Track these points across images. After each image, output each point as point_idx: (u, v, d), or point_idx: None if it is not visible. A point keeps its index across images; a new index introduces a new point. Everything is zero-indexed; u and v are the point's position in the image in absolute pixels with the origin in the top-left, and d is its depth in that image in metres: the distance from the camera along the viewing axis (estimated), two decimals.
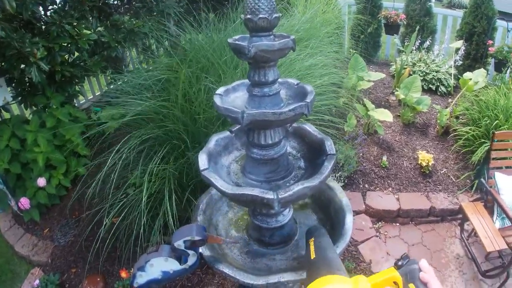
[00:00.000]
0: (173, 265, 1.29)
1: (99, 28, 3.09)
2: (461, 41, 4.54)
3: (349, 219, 1.55)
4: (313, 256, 1.14)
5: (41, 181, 2.75)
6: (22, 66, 2.53)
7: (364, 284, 0.87)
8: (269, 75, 1.19)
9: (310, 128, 1.55)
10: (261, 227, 1.54)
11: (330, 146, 1.39)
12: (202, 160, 1.35)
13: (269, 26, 1.11)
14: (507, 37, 4.63)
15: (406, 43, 4.89)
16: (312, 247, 1.19)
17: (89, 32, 2.87)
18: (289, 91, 1.40)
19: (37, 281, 2.53)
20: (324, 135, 1.49)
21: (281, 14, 1.11)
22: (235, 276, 1.30)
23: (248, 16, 1.11)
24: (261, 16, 1.09)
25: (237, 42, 1.12)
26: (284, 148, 1.37)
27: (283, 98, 1.33)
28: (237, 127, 1.58)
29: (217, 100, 1.24)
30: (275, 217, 1.52)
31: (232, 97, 1.36)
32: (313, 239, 1.24)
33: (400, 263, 0.88)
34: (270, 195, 1.14)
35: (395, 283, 0.87)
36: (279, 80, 1.30)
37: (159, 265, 1.27)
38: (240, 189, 1.19)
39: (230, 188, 1.20)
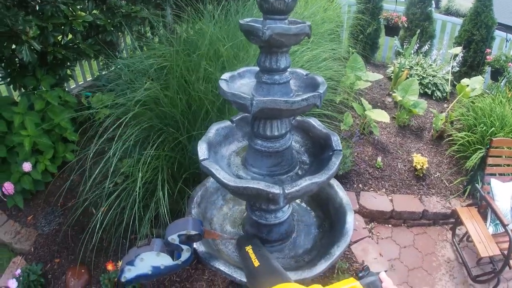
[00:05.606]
0: (165, 260, 1.22)
1: (94, 11, 2.97)
2: (460, 48, 4.54)
3: (350, 218, 1.50)
4: (257, 263, 1.10)
5: (27, 166, 2.64)
6: (13, 46, 2.42)
7: None
8: (281, 61, 1.12)
9: (314, 122, 1.49)
10: (259, 223, 1.47)
11: (336, 141, 1.33)
12: (202, 150, 1.27)
13: (285, 9, 1.03)
14: (505, 46, 4.64)
15: (405, 46, 4.87)
16: (252, 255, 1.15)
17: (84, 14, 2.76)
18: (297, 82, 1.33)
19: (18, 271, 2.42)
20: (330, 130, 1.43)
21: None
22: (232, 275, 1.23)
23: None
24: None
25: (250, 23, 1.04)
26: (289, 141, 1.31)
27: (292, 88, 1.26)
28: (238, 117, 1.51)
29: (223, 85, 1.16)
30: (275, 213, 1.46)
31: (238, 84, 1.29)
32: (251, 246, 1.19)
33: (361, 274, 0.89)
34: (276, 190, 1.07)
35: None
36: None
37: (150, 259, 1.20)
38: (245, 182, 1.12)
39: (233, 180, 1.13)
